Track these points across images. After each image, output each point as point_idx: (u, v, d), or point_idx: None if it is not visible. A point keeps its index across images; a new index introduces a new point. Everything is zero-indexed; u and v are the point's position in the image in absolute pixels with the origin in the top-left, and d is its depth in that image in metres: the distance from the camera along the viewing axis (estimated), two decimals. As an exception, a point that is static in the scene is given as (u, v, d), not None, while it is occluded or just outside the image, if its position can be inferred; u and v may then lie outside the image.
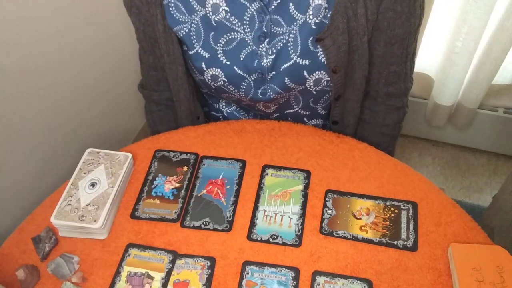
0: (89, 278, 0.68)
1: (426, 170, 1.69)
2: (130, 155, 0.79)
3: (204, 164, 0.81)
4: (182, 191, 0.77)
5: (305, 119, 0.91)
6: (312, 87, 0.79)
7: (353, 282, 0.65)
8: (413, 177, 0.77)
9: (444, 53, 1.40)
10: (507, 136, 1.60)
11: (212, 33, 0.75)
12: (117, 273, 0.68)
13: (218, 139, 0.84)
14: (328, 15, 0.71)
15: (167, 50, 0.78)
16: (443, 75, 1.45)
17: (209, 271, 0.67)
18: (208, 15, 0.74)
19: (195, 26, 0.75)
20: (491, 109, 1.56)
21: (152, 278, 0.67)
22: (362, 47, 0.74)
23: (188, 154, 0.83)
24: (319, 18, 0.72)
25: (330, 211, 0.73)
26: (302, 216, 0.73)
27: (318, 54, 0.74)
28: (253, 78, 0.79)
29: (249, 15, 0.73)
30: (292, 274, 0.66)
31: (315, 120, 0.93)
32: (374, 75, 0.81)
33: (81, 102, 1.25)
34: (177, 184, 0.78)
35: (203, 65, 0.78)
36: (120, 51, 1.32)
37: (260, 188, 0.77)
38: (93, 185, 0.75)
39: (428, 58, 1.45)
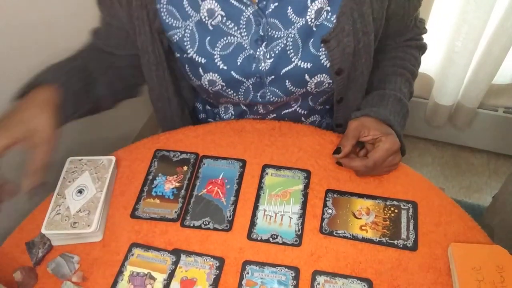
0: (90, 278, 0.68)
1: (426, 170, 1.69)
2: (114, 158, 0.78)
3: (204, 164, 0.81)
4: (182, 190, 0.77)
5: (302, 118, 0.91)
6: (313, 89, 0.79)
7: (353, 282, 0.65)
8: (413, 177, 0.77)
9: (444, 52, 1.40)
10: (507, 136, 1.60)
11: (209, 37, 0.74)
12: (120, 272, 0.68)
13: (218, 139, 0.84)
14: (331, 18, 0.72)
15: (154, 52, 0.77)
16: (443, 74, 1.45)
17: (217, 271, 0.67)
18: (204, 20, 0.73)
19: (189, 31, 0.74)
20: (491, 109, 1.56)
21: (154, 279, 0.67)
22: (369, 44, 0.75)
23: (188, 154, 0.83)
24: (319, 21, 0.72)
25: (330, 211, 0.73)
26: (302, 215, 0.73)
27: (321, 58, 0.74)
28: (251, 82, 0.78)
29: (245, 19, 0.72)
30: (292, 273, 0.66)
31: (312, 117, 0.93)
32: (390, 42, 0.87)
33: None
34: (177, 184, 0.78)
35: (200, 70, 0.77)
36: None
37: (260, 187, 0.77)
38: (80, 191, 0.74)
39: (428, 58, 1.45)
